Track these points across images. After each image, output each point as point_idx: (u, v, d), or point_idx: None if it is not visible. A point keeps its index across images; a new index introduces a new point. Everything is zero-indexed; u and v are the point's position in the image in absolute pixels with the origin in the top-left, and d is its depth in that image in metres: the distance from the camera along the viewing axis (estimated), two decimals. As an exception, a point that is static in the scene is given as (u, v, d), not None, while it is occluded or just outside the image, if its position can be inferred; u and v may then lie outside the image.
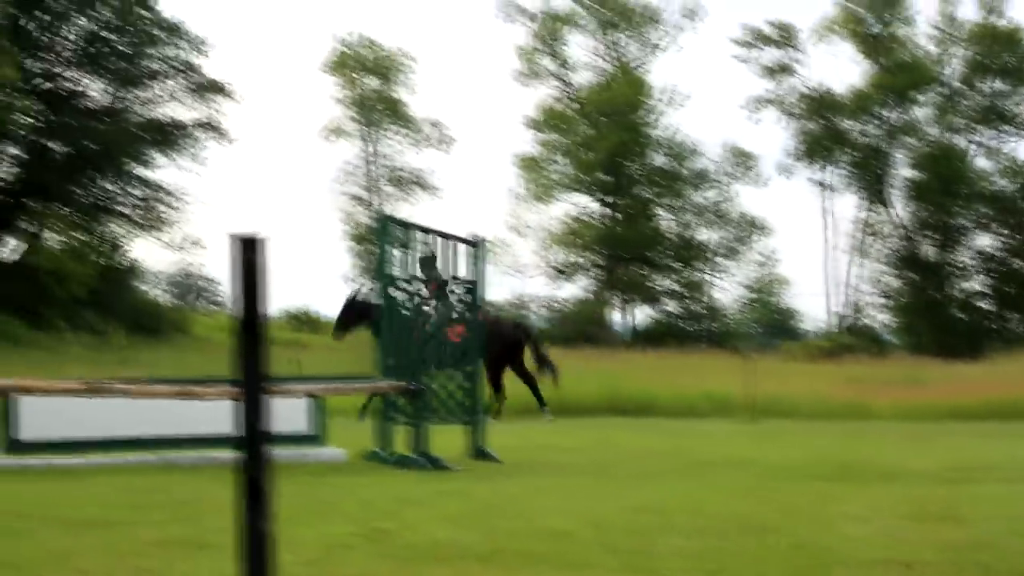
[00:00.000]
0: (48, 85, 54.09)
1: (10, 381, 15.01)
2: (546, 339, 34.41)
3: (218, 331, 55.00)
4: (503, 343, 24.23)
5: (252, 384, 3.37)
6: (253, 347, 3.33)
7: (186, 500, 10.82)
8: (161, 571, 7.53)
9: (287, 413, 14.48)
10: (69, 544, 8.43)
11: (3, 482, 12.45)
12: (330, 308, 66.87)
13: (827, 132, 67.08)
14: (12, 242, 54.49)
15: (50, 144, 54.02)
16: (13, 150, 54.27)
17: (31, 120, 52.19)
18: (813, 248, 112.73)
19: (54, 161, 53.67)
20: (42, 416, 14.58)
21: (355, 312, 22.89)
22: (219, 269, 69.63)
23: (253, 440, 3.41)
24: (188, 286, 68.74)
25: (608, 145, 64.55)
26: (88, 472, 13.51)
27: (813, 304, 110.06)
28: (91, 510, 10.09)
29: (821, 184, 68.08)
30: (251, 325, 3.30)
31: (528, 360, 25.20)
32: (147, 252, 73.74)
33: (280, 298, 66.17)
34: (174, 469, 13.83)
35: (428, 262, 19.84)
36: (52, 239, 53.85)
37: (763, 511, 10.36)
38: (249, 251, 3.25)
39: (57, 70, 54.67)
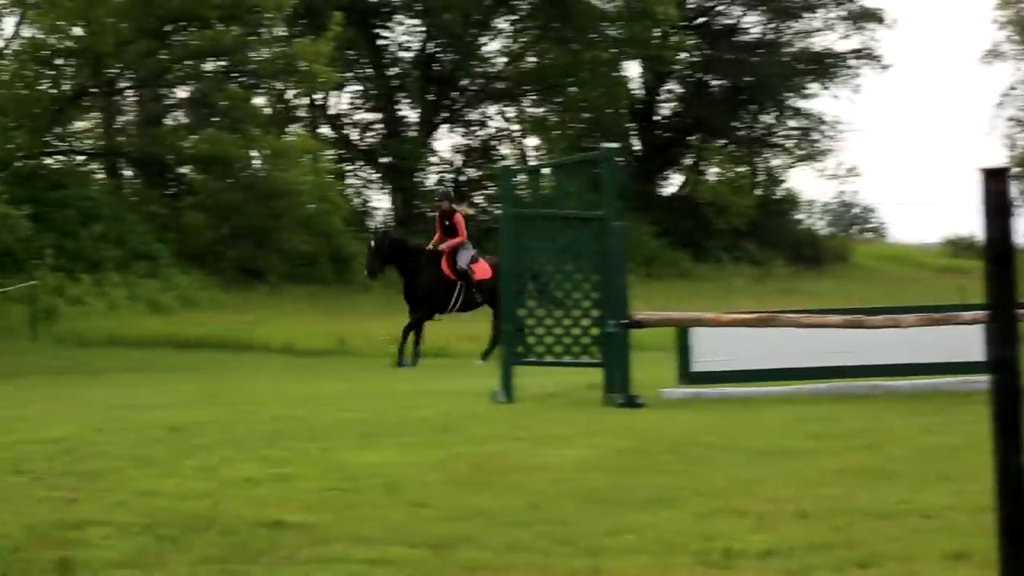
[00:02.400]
0: (704, 20, 55.15)
1: (685, 314, 15.44)
2: None
3: (877, 260, 54.58)
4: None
5: (1004, 314, 3.23)
6: (1004, 276, 3.20)
7: (862, 429, 10.74)
8: (845, 499, 7.51)
9: (961, 342, 14.09)
10: (753, 472, 8.54)
11: (681, 411, 12.78)
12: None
13: None
14: (675, 177, 56.11)
15: (708, 79, 55.11)
16: (674, 87, 55.75)
17: (689, 56, 53.39)
18: None
19: (712, 96, 54.73)
20: (714, 347, 14.87)
21: (383, 255, 22.28)
22: (875, 197, 68.90)
23: (1004, 370, 3.26)
24: (845, 215, 68.47)
25: None
26: (760, 402, 13.66)
27: None
28: (769, 439, 10.18)
29: None
30: (1002, 254, 3.18)
31: None
32: (804, 182, 73.80)
33: (939, 226, 64.62)
34: (846, 399, 13.76)
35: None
36: (712, 173, 54.97)
37: None
38: (995, 181, 3.13)
39: (711, 4, 55.62)
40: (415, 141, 50.39)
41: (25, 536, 6.51)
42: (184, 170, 41.98)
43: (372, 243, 22.45)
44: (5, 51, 42.19)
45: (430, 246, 22.28)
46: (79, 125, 43.25)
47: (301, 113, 50.14)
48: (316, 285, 40.06)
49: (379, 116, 51.89)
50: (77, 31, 38.94)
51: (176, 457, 9.03)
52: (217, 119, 40.68)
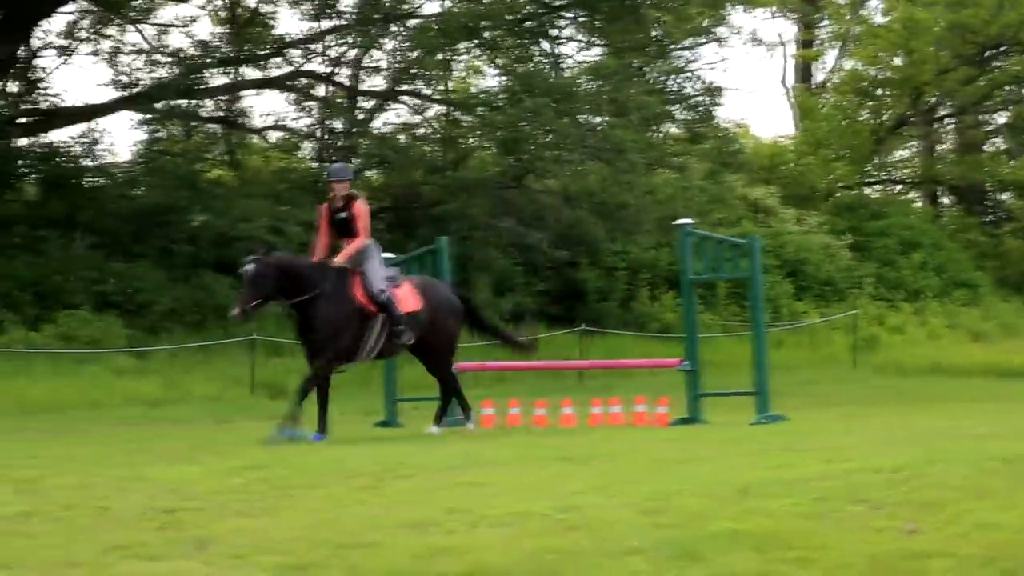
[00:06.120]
0: None
1: None
2: None
3: None
4: (457, 314, 15.69)
5: None
6: None
7: None
8: None
9: None
10: None
11: None
12: None
13: None
14: None
15: None
16: None
17: None
18: None
19: None
20: None
21: (264, 286, 14.23)
22: None
23: None
24: None
25: None
26: None
27: None
28: None
29: None
30: None
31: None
32: None
33: None
34: None
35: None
36: None
37: None
38: None
39: None
40: None
41: (867, 566, 6.63)
42: (1004, 196, 41.51)
43: (250, 268, 14.33)
44: (827, 84, 43.44)
45: (315, 258, 14.89)
46: (898, 154, 43.82)
47: None
48: None
49: None
50: (896, 61, 39.45)
51: (1014, 490, 8.90)
52: (1039, 144, 40.02)
